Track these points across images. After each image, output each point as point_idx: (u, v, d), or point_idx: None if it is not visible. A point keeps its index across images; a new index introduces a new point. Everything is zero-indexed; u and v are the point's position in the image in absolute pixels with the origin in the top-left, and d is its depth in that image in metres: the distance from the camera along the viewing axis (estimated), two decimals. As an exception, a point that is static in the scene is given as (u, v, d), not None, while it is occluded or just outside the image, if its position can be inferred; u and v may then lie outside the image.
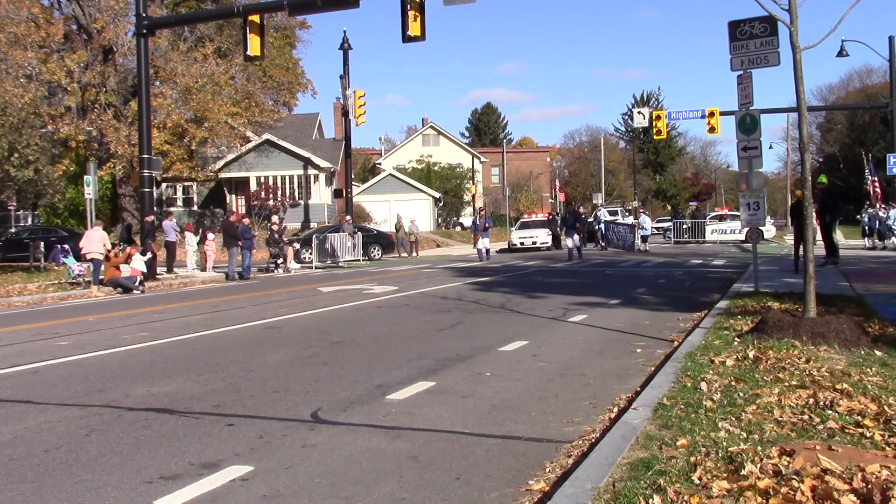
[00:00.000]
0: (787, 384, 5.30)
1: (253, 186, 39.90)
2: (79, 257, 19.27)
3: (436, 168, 56.91)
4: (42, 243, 25.01)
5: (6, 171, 20.93)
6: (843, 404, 4.68)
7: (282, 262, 24.37)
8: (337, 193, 37.93)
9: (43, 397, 6.38)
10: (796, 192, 22.29)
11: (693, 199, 70.01)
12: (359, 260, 27.96)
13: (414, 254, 33.30)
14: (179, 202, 41.60)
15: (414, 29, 16.64)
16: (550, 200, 66.08)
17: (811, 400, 4.84)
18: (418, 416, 5.41)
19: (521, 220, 38.88)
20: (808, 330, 6.87)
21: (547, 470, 4.18)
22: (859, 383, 5.26)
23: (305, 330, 10.18)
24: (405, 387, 6.30)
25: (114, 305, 14.85)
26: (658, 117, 32.51)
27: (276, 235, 24.61)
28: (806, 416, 4.51)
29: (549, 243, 33.98)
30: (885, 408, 4.59)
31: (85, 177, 22.51)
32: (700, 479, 3.48)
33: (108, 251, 18.38)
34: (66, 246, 21.22)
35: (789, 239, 28.45)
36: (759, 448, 3.88)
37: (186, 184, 41.00)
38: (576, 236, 26.46)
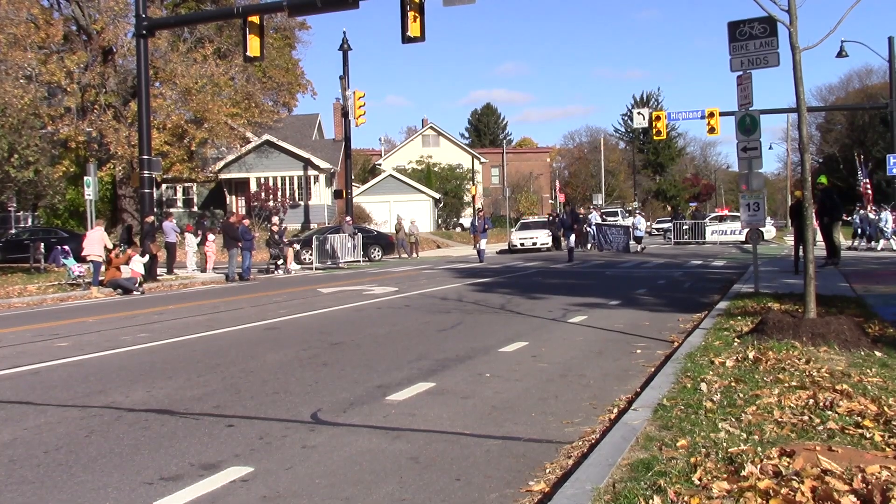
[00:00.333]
0: (787, 385, 5.30)
1: (253, 187, 39.91)
2: (79, 258, 19.27)
3: (436, 169, 56.91)
4: (42, 244, 25.00)
5: (6, 172, 20.95)
6: (843, 405, 4.68)
7: (282, 263, 24.37)
8: (337, 194, 37.92)
9: (43, 398, 6.38)
10: (796, 193, 22.29)
11: (693, 199, 70.18)
12: (359, 261, 27.95)
13: (414, 255, 33.30)
14: (179, 203, 41.57)
15: (413, 30, 16.65)
16: (550, 201, 66.09)
17: (811, 401, 4.84)
18: (418, 416, 5.41)
19: (522, 220, 38.88)
20: (808, 331, 6.87)
21: (547, 471, 4.18)
22: (859, 384, 5.26)
23: (305, 331, 10.17)
24: (405, 388, 6.30)
25: (114, 306, 14.86)
26: (658, 118, 32.49)
27: (276, 236, 24.62)
28: (806, 417, 4.51)
29: (550, 244, 34.01)
30: (885, 408, 4.59)
31: (85, 178, 22.52)
32: (700, 479, 3.48)
33: (109, 252, 18.39)
34: (66, 247, 21.22)
35: (789, 240, 28.45)
36: (759, 449, 3.88)
37: (186, 185, 40.98)
38: (572, 237, 26.63)
